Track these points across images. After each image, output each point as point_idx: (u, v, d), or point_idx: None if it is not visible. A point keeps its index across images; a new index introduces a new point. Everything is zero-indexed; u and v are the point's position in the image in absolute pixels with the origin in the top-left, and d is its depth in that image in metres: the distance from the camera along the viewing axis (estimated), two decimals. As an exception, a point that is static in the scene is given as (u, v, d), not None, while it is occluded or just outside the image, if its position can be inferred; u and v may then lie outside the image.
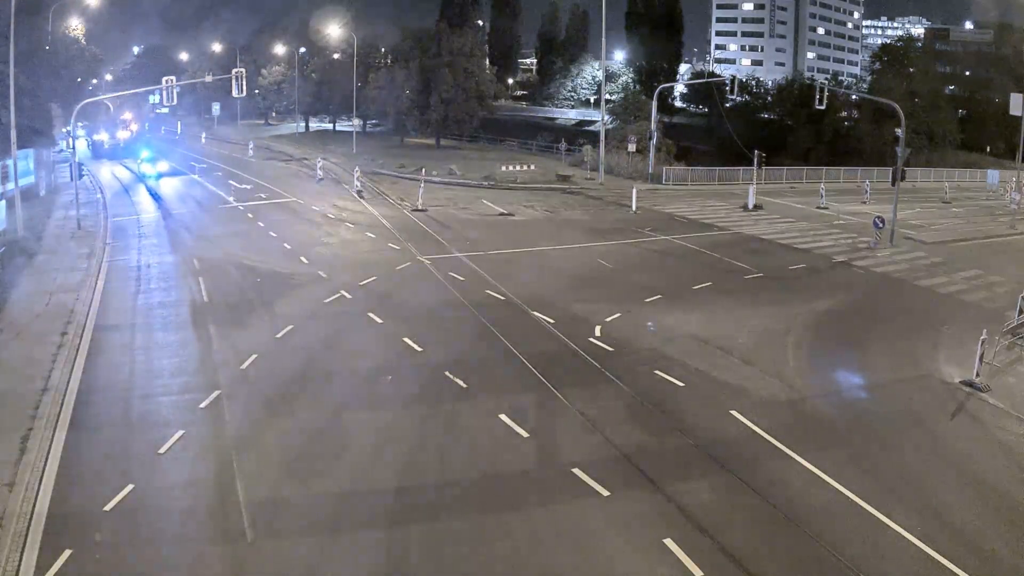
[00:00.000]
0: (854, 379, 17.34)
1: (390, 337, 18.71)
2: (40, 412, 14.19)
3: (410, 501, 11.78)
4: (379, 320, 19.98)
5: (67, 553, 10.28)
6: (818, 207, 41.46)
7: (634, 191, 39.23)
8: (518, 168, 49.51)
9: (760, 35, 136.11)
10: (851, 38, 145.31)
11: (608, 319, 20.30)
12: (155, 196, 40.64)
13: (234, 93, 35.14)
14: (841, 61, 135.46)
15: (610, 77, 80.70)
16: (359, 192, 40.98)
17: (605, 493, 12.00)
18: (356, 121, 67.85)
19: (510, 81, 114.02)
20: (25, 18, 31.75)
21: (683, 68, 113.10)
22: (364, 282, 23.44)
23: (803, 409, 15.51)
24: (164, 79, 35.01)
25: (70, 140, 35.99)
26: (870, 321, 21.61)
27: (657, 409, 14.97)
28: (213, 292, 22.50)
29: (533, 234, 31.81)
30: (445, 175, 48.14)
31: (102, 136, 62.56)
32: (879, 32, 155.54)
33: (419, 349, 17.93)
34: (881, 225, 31.18)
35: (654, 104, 51.90)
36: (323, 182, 45.14)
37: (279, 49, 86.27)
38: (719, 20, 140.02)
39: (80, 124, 54.54)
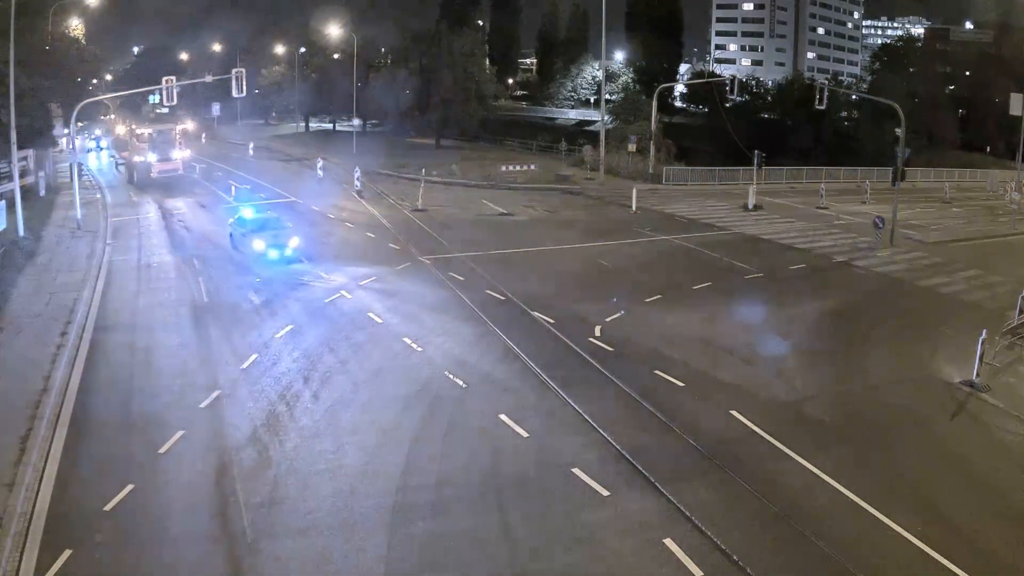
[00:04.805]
0: (854, 379, 17.32)
1: (390, 337, 18.71)
2: (40, 412, 14.19)
3: (410, 501, 11.78)
4: (379, 320, 19.98)
5: (67, 553, 10.28)
6: (818, 207, 41.48)
7: (634, 191, 39.24)
8: (518, 168, 49.52)
9: (760, 35, 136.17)
10: (851, 38, 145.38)
11: (608, 319, 20.30)
12: None
13: (234, 93, 35.07)
14: (841, 61, 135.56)
15: (610, 77, 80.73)
16: (359, 192, 40.98)
17: (605, 493, 12.01)
18: (356, 121, 67.89)
19: (510, 81, 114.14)
20: (25, 18, 31.71)
21: (683, 68, 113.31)
22: (364, 282, 23.44)
23: (803, 409, 15.51)
24: (164, 79, 34.96)
25: (71, 142, 35.96)
26: (870, 321, 21.61)
27: (657, 409, 14.97)
28: (213, 292, 22.50)
29: (533, 234, 31.81)
30: (445, 175, 48.13)
31: (149, 157, 43.88)
32: (879, 32, 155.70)
33: (419, 349, 17.93)
34: (881, 225, 31.17)
35: (654, 104, 51.92)
36: (323, 182, 45.12)
37: (279, 49, 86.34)
38: (719, 20, 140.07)
39: (80, 125, 51.89)
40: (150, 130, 46.87)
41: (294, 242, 26.06)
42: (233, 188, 41.58)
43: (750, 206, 39.88)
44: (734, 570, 10.29)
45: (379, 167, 50.97)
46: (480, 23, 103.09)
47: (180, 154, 45.18)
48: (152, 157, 43.58)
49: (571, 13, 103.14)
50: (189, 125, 53.20)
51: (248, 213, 27.90)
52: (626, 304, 21.67)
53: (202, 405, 14.86)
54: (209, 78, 45.41)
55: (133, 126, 52.85)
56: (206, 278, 23.85)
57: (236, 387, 15.76)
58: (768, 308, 22.29)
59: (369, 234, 30.97)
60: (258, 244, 25.66)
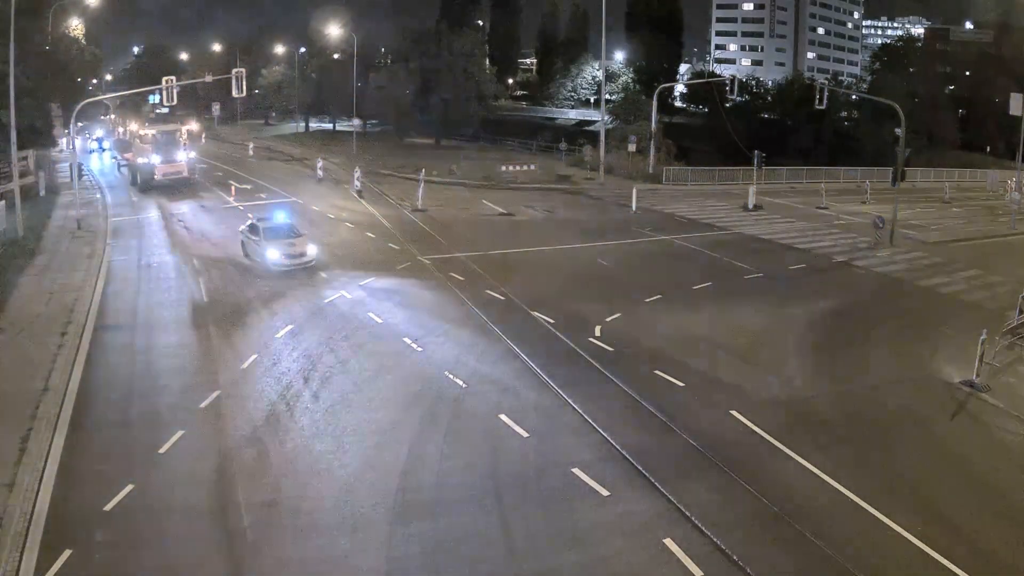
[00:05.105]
0: (854, 379, 17.32)
1: (390, 337, 18.70)
2: (40, 412, 14.19)
3: (410, 501, 11.78)
4: (379, 320, 19.98)
5: (67, 553, 10.28)
6: (818, 207, 41.48)
7: (634, 191, 39.23)
8: (518, 168, 49.50)
9: (760, 35, 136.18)
10: (851, 38, 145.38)
11: (608, 319, 20.30)
12: None
13: (234, 93, 35.05)
14: (841, 61, 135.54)
15: (610, 77, 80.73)
16: (359, 192, 40.96)
17: (605, 493, 12.01)
18: (356, 121, 67.86)
19: (510, 81, 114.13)
20: (25, 18, 31.73)
21: (683, 68, 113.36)
22: (364, 282, 23.44)
23: (803, 409, 15.51)
24: (164, 79, 34.96)
25: (72, 141, 35.98)
26: (870, 321, 21.62)
27: (657, 409, 14.96)
28: (213, 292, 22.50)
29: (533, 234, 31.81)
30: (445, 175, 48.13)
31: (152, 159, 41.48)
32: (879, 32, 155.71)
33: (419, 349, 17.93)
34: (881, 225, 31.20)
35: (654, 104, 51.92)
36: (323, 182, 45.11)
37: (279, 49, 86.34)
38: (719, 20, 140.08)
39: (80, 125, 51.52)
40: (154, 131, 45.12)
41: (311, 250, 24.80)
42: (233, 188, 41.59)
43: (750, 206, 39.88)
44: (734, 570, 10.29)
45: (379, 167, 50.98)
46: (480, 23, 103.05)
47: (185, 156, 43.28)
48: (156, 159, 41.71)
49: (571, 13, 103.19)
50: (194, 126, 50.67)
51: (260, 220, 26.13)
52: (626, 304, 21.67)
53: (202, 405, 14.86)
54: (209, 78, 45.31)
55: (136, 127, 50.60)
56: (206, 278, 23.84)
57: (236, 387, 15.76)
58: (768, 308, 22.28)
59: (369, 234, 30.97)
60: (272, 253, 24.25)
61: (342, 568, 10.28)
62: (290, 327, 19.22)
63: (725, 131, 61.10)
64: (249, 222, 26.68)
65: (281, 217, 26.60)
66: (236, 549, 10.58)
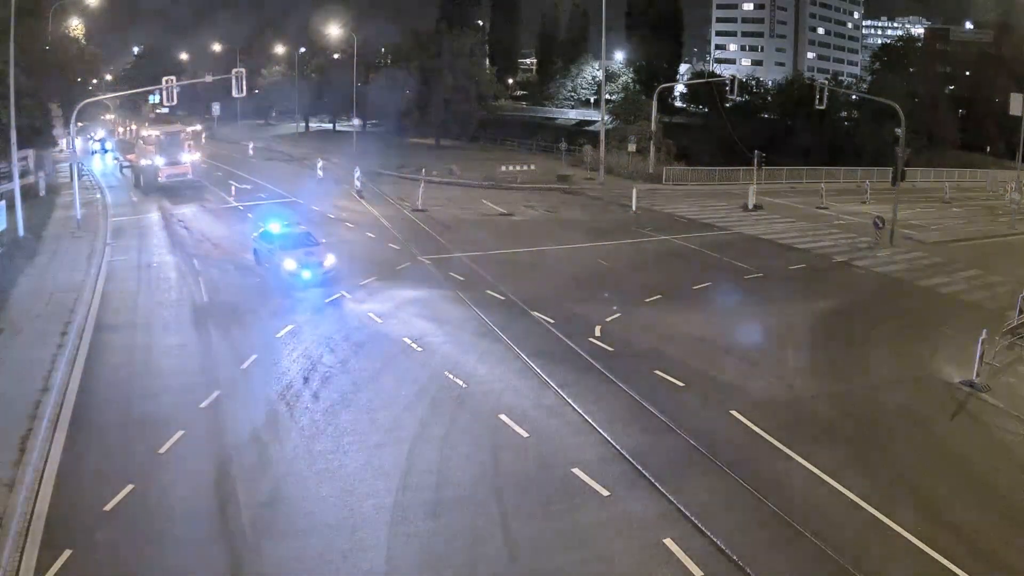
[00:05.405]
0: (854, 379, 17.31)
1: (390, 337, 18.70)
2: (40, 412, 14.18)
3: (410, 501, 11.77)
4: (379, 320, 19.98)
5: (67, 553, 10.28)
6: (818, 207, 41.49)
7: (634, 191, 39.24)
8: (518, 168, 49.52)
9: (760, 35, 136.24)
10: (851, 38, 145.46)
11: (608, 319, 20.31)
12: None
13: (234, 93, 35.07)
14: (841, 61, 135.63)
15: (610, 77, 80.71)
16: (359, 192, 40.97)
17: (605, 493, 12.01)
18: (356, 121, 67.88)
19: (510, 81, 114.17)
20: (25, 18, 31.71)
21: (683, 68, 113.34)
22: (364, 282, 23.43)
23: (803, 409, 15.51)
24: (164, 79, 34.96)
25: (71, 141, 35.93)
26: (870, 321, 21.61)
27: (657, 409, 14.96)
28: (213, 292, 22.50)
29: (533, 234, 31.81)
30: (445, 175, 48.14)
31: (156, 160, 40.93)
32: (879, 32, 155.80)
33: (419, 349, 17.93)
34: (881, 225, 31.20)
35: (654, 104, 51.95)
36: (323, 182, 45.11)
37: (279, 49, 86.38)
38: (719, 20, 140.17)
39: (80, 125, 51.34)
40: (158, 132, 44.39)
41: (329, 260, 23.22)
42: (233, 188, 41.59)
43: (750, 206, 39.89)
44: (734, 570, 10.29)
45: (379, 167, 50.91)
46: (480, 23, 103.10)
47: (189, 157, 42.67)
48: (160, 160, 41.00)
49: (571, 13, 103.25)
50: (198, 126, 50.38)
51: (275, 227, 24.64)
52: (626, 304, 21.67)
53: (202, 405, 14.86)
54: (209, 78, 45.21)
55: (138, 127, 49.91)
56: (206, 278, 23.84)
57: (236, 387, 15.76)
58: (768, 308, 22.29)
59: (369, 234, 30.97)
60: (289, 263, 22.74)
61: (342, 568, 10.28)
62: (290, 327, 19.22)
63: (725, 131, 61.12)
64: (262, 229, 25.35)
65: (277, 227, 24.71)
66: (236, 549, 10.58)
